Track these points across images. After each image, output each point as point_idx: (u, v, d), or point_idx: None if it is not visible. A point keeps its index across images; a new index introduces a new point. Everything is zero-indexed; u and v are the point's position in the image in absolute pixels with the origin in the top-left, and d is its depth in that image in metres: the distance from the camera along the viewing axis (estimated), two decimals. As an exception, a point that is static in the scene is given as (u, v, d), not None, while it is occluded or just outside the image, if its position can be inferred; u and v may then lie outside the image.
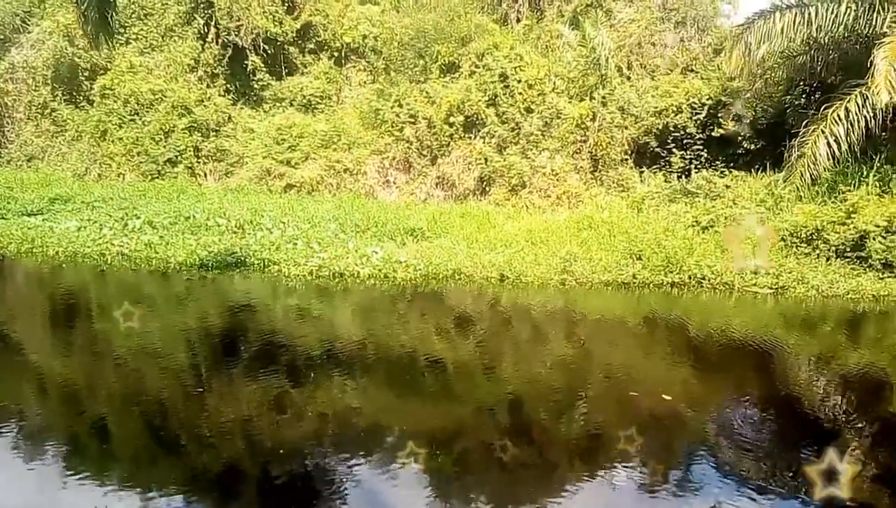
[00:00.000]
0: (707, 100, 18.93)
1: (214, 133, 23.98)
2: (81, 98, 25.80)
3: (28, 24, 27.30)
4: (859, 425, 7.79)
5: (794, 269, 13.27)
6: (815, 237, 13.92)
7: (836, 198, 14.73)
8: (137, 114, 23.94)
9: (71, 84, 26.24)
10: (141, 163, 23.43)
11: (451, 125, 20.33)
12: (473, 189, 20.03)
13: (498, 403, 8.13)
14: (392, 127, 21.13)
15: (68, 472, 6.36)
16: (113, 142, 23.82)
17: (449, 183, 20.32)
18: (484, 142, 20.12)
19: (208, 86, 24.98)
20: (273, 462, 6.60)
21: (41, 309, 12.73)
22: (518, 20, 24.22)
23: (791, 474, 6.58)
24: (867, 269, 13.21)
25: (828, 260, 13.61)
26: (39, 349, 10.16)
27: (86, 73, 25.99)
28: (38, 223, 17.77)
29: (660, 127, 19.17)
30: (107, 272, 14.61)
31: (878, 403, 8.50)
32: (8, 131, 26.86)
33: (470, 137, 20.41)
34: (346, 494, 6.15)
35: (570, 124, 19.46)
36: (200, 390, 8.43)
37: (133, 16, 26.29)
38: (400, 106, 21.16)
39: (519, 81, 20.19)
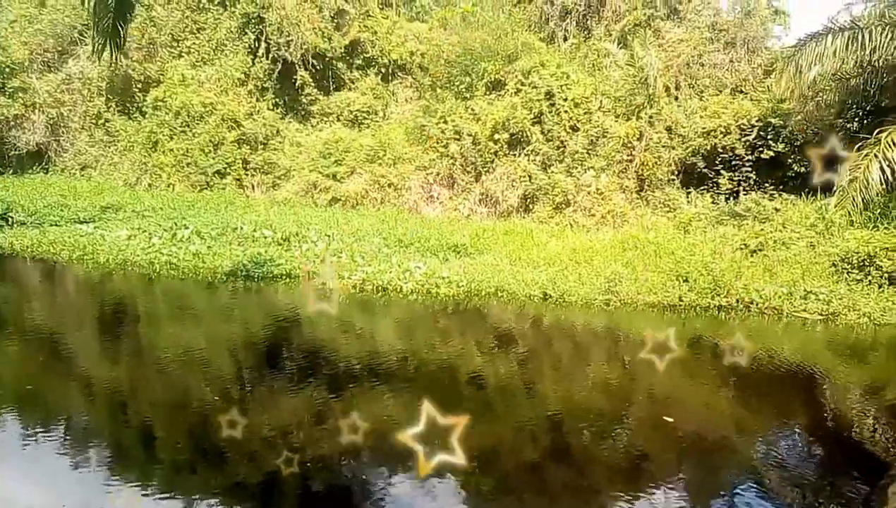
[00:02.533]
0: (756, 121, 18.69)
1: (262, 146, 24.33)
2: (134, 109, 26.37)
3: (84, 37, 27.97)
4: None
5: (845, 295, 12.98)
6: (867, 263, 13.60)
7: (889, 223, 14.42)
8: (188, 126, 24.38)
9: (124, 95, 26.85)
10: (190, 174, 23.86)
11: (495, 142, 20.36)
12: (517, 206, 20.01)
13: (530, 423, 8.08)
14: (437, 143, 21.22)
15: (112, 475, 6.51)
16: (164, 152, 24.31)
17: (493, 200, 20.33)
18: (528, 160, 20.11)
19: (258, 100, 25.36)
20: (311, 472, 6.63)
21: (91, 315, 13.00)
22: (565, 39, 24.21)
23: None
24: (921, 297, 12.89)
25: (880, 287, 13.28)
26: (88, 354, 10.36)
27: (139, 85, 26.57)
28: (89, 231, 18.17)
29: (708, 148, 18.96)
30: (155, 281, 14.86)
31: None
32: (63, 140, 27.53)
33: (514, 154, 20.43)
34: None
35: (617, 143, 19.35)
36: (240, 399, 8.52)
37: (186, 30, 26.86)
38: (445, 122, 21.26)
39: (565, 100, 20.16)
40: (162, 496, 6.22)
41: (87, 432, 7.57)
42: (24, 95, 27.07)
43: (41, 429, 7.44)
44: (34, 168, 27.27)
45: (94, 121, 27.11)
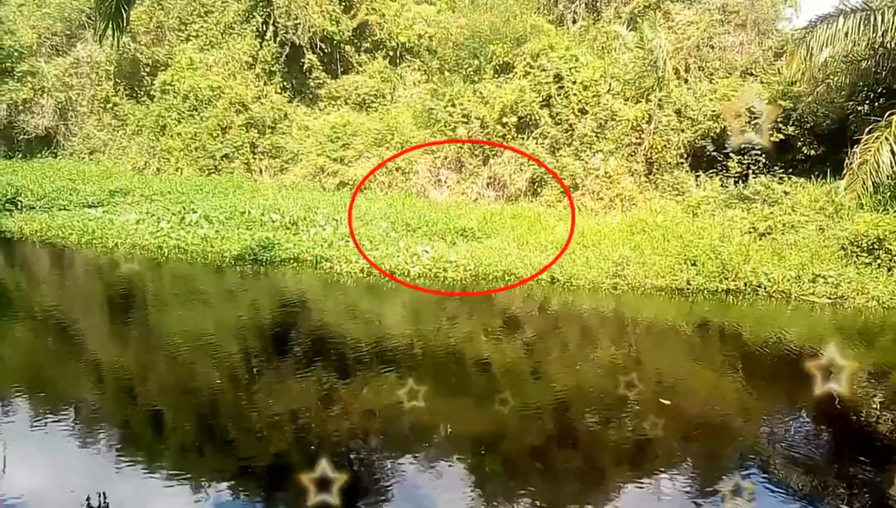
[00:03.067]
0: (767, 104, 18.52)
1: (270, 130, 24.32)
2: (142, 93, 26.42)
3: (93, 20, 27.96)
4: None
5: (854, 279, 12.91)
6: (876, 247, 13.52)
7: (899, 207, 14.35)
8: (196, 109, 24.39)
9: (132, 79, 26.91)
10: (198, 158, 23.90)
11: (504, 125, 20.26)
12: (525, 190, 19.93)
13: (534, 405, 8.10)
14: (445, 126, 21.14)
15: (120, 458, 6.57)
16: (172, 137, 24.35)
17: (500, 183, 20.26)
18: (537, 143, 20.02)
19: (265, 84, 25.33)
20: (318, 455, 6.66)
21: (99, 299, 13.08)
22: (574, 21, 24.04)
23: (839, 490, 6.46)
24: (931, 282, 12.80)
25: (889, 270, 13.19)
26: (96, 337, 10.43)
27: (147, 69, 26.61)
28: (98, 215, 18.24)
29: (717, 131, 18.82)
30: (163, 265, 14.93)
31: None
32: (71, 125, 27.63)
33: (523, 138, 20.33)
34: (390, 490, 6.22)
35: (625, 126, 19.24)
36: (247, 382, 8.57)
37: (194, 13, 26.82)
38: (453, 106, 21.16)
39: (574, 83, 20.03)
40: (170, 479, 6.26)
41: (95, 415, 7.63)
42: (33, 79, 27.17)
43: (50, 412, 7.49)
44: (43, 152, 27.42)
45: (102, 105, 27.21)
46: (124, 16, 10.80)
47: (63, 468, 6.44)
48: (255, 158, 24.04)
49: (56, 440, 6.87)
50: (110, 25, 10.52)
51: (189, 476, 6.34)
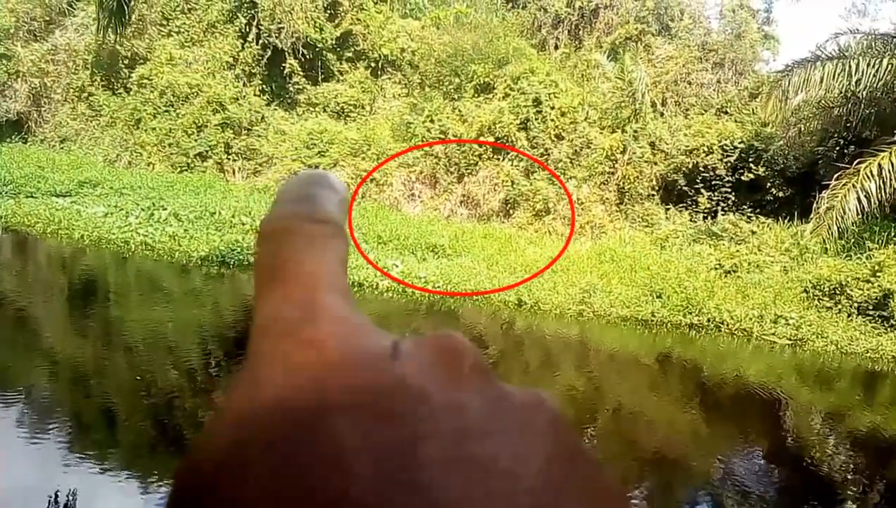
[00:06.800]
0: (739, 143, 18.85)
1: (246, 131, 24.14)
2: (119, 85, 26.10)
3: (74, 8, 27.69)
4: (861, 486, 7.70)
5: (814, 322, 13.13)
6: (838, 292, 13.78)
7: (862, 254, 14.62)
8: (172, 105, 24.18)
9: (110, 70, 26.57)
10: (171, 154, 23.65)
11: (480, 145, 20.37)
12: (497, 210, 20.04)
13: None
14: (423, 142, 21.19)
15: (70, 454, 6.44)
16: (146, 131, 24.09)
17: (473, 202, 20.35)
18: (512, 165, 20.15)
19: (244, 85, 25.17)
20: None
21: (60, 291, 12.87)
22: (556, 47, 24.33)
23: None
24: (889, 329, 13.03)
25: (849, 316, 13.45)
26: (51, 330, 10.26)
27: (125, 61, 26.30)
28: (65, 205, 17.93)
29: (689, 166, 19.10)
30: (129, 260, 14.73)
31: (885, 466, 8.40)
32: (44, 111, 27.20)
33: (498, 159, 20.46)
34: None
35: (600, 155, 19.45)
36: (199, 382, 8.47)
37: (177, 9, 26.63)
38: (432, 122, 21.24)
39: (552, 108, 20.22)
40: (121, 476, 6.17)
41: (45, 409, 7.49)
42: (8, 63, 26.71)
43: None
44: (13, 137, 26.89)
45: (77, 94, 26.81)
46: (126, 10, 10.79)
47: (9, 462, 6.30)
48: (228, 159, 23.84)
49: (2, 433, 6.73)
50: (112, 20, 10.49)
51: (139, 474, 6.24)
